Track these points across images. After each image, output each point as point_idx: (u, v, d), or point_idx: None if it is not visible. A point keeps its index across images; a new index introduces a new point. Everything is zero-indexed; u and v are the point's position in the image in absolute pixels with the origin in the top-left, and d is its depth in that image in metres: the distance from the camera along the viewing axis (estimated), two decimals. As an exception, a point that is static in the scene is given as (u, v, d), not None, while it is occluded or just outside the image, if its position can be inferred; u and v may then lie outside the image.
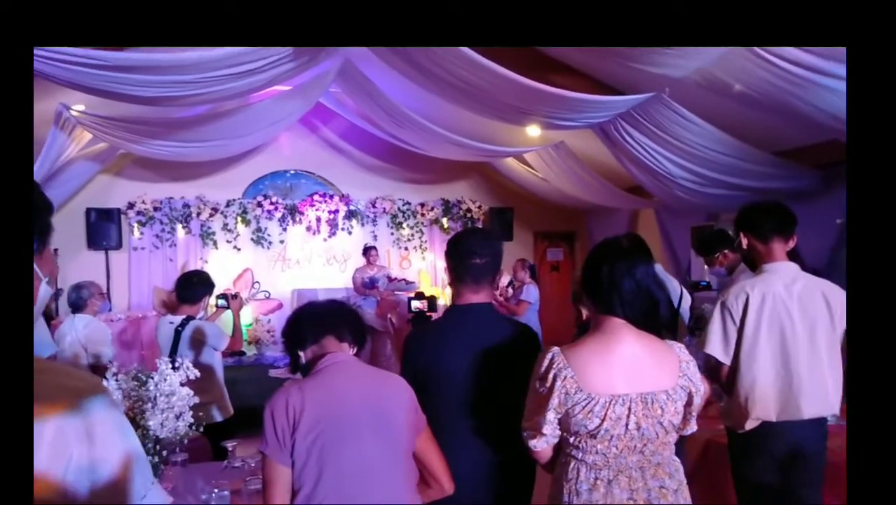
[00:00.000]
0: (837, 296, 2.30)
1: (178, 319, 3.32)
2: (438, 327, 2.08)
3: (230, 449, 2.34)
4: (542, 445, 1.67)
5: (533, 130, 6.23)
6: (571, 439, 1.62)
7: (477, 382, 1.88)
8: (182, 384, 1.86)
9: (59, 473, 0.79)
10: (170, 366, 1.84)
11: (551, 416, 1.60)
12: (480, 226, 8.80)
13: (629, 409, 1.57)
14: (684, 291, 4.04)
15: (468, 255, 1.95)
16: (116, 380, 1.81)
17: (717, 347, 2.34)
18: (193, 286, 3.40)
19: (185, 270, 3.77)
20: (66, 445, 0.80)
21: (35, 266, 0.89)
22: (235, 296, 3.78)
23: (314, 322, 1.73)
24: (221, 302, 3.88)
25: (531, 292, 6.09)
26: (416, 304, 2.69)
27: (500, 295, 6.30)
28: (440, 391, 1.89)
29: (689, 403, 1.66)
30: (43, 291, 0.95)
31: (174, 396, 1.78)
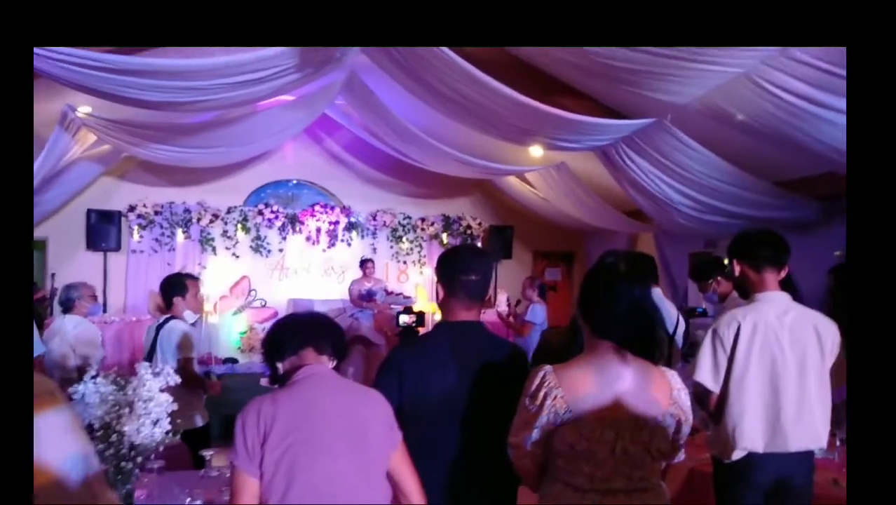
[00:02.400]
0: (828, 327, 2.28)
1: (162, 319, 3.34)
2: (428, 343, 2.04)
3: (207, 458, 2.32)
4: (527, 463, 1.67)
5: (535, 150, 6.25)
6: (558, 461, 1.61)
7: (464, 400, 1.86)
8: (162, 390, 1.84)
9: None
10: (150, 371, 1.83)
11: (537, 434, 1.60)
12: (480, 243, 8.80)
13: (617, 433, 1.56)
14: (680, 317, 4.02)
15: (462, 271, 1.93)
16: (95, 383, 1.80)
17: (706, 374, 2.32)
18: (164, 291, 3.43)
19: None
20: None
21: None
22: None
23: (294, 333, 1.71)
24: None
25: (536, 313, 5.97)
26: (404, 318, 2.67)
27: (509, 316, 6.25)
28: (426, 407, 1.85)
29: (677, 431, 1.65)
30: None
31: (152, 402, 1.77)
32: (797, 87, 3.67)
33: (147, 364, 1.88)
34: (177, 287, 3.43)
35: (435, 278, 2.02)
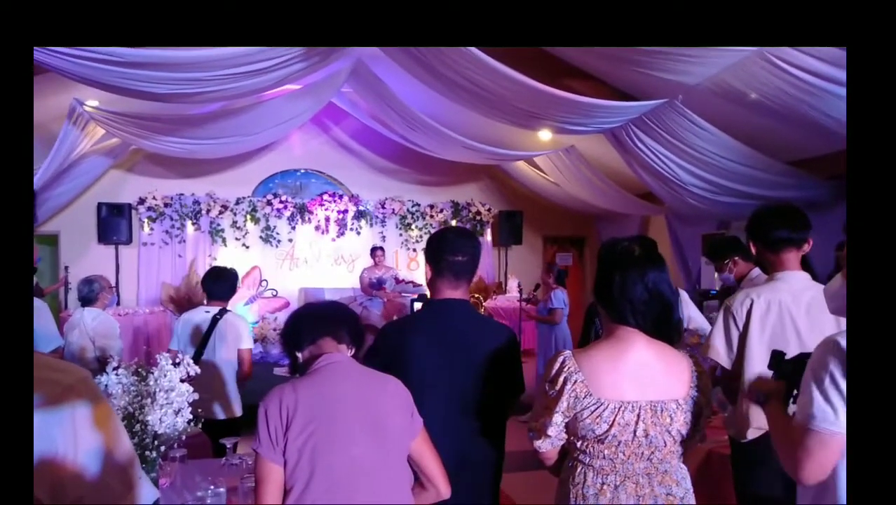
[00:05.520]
0: None
1: (214, 309, 3.35)
2: (416, 319, 2.07)
3: (229, 447, 2.35)
4: (547, 447, 1.67)
5: (544, 134, 6.22)
6: (579, 444, 1.62)
7: (443, 374, 1.87)
8: (182, 380, 1.86)
9: (46, 464, 0.79)
10: (170, 362, 1.85)
11: (558, 418, 1.60)
12: (489, 229, 8.79)
13: (638, 416, 1.56)
14: (682, 293, 3.98)
15: (449, 251, 1.97)
16: (117, 374, 1.82)
17: (720, 351, 2.32)
18: (225, 281, 3.41)
19: (213, 266, 3.77)
20: (50, 437, 0.80)
21: None
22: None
23: (312, 323, 1.72)
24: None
25: (559, 297, 5.89)
26: (418, 306, 2.68)
27: (528, 303, 6.21)
28: (408, 382, 1.86)
29: (698, 414, 1.65)
30: None
31: (173, 392, 1.79)
32: (809, 63, 3.63)
33: (167, 355, 1.90)
34: (237, 279, 3.47)
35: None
